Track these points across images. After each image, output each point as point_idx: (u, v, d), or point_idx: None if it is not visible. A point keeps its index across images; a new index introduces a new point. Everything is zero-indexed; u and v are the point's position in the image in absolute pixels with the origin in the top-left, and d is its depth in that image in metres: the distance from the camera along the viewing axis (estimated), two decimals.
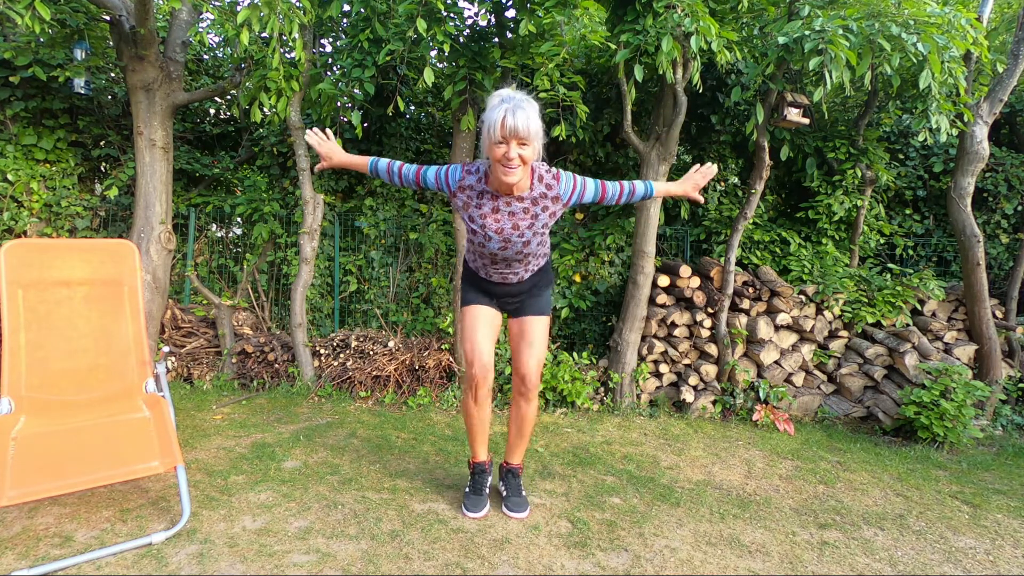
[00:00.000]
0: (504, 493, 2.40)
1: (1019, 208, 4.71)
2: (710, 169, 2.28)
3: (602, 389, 4.00)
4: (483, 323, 2.23)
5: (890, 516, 2.50)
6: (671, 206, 4.86)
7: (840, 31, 3.06)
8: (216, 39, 5.13)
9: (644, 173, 3.91)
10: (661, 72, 3.23)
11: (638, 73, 3.27)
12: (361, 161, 2.23)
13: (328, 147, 2.25)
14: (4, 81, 4.18)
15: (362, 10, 3.57)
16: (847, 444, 3.47)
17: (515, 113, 1.82)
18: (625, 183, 2.17)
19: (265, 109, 3.96)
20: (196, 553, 1.98)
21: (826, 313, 4.11)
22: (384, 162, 2.19)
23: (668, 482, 2.76)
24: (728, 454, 3.20)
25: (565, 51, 3.43)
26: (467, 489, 2.42)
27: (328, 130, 2.24)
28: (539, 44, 3.58)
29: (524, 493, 2.40)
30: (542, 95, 3.42)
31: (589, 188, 2.10)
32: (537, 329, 2.25)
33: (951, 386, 3.42)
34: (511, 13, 3.74)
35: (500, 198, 2.02)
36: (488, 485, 2.43)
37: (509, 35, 3.79)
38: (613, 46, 3.44)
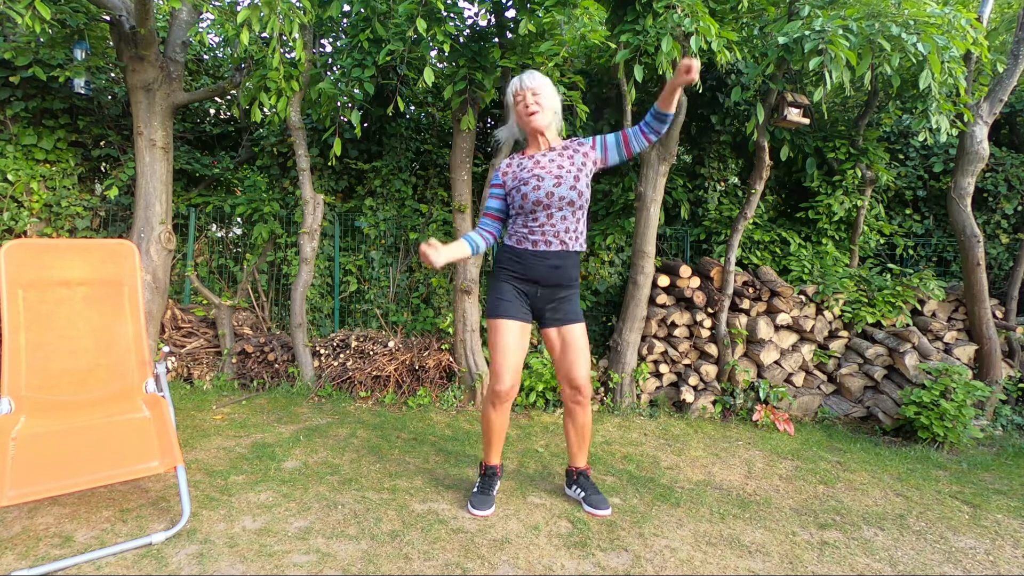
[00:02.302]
0: (583, 494, 2.44)
1: (1019, 208, 4.71)
2: (689, 61, 2.05)
3: (602, 389, 4.00)
4: (514, 337, 2.25)
5: (890, 516, 2.50)
6: (671, 206, 4.86)
7: (840, 31, 3.06)
8: (216, 39, 5.13)
9: (644, 173, 3.92)
10: (661, 72, 3.23)
11: (638, 73, 3.27)
12: (463, 250, 2.26)
13: (437, 254, 2.16)
14: (4, 81, 4.18)
15: (362, 10, 3.57)
16: (847, 444, 3.47)
17: (523, 75, 2.29)
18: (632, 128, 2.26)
19: (265, 109, 3.96)
20: (196, 553, 1.98)
21: (826, 313, 4.10)
22: (475, 236, 2.31)
23: (668, 482, 2.76)
24: (728, 454, 3.20)
25: (565, 51, 3.43)
26: (475, 489, 2.45)
27: (433, 239, 2.16)
28: (539, 44, 3.58)
29: (600, 491, 2.45)
30: None
31: (609, 137, 2.28)
32: (580, 336, 2.29)
33: (951, 386, 3.42)
34: (511, 13, 3.74)
35: (538, 155, 2.29)
36: (496, 488, 2.47)
37: (509, 35, 3.79)
38: (613, 46, 3.44)
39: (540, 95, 2.25)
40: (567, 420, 2.40)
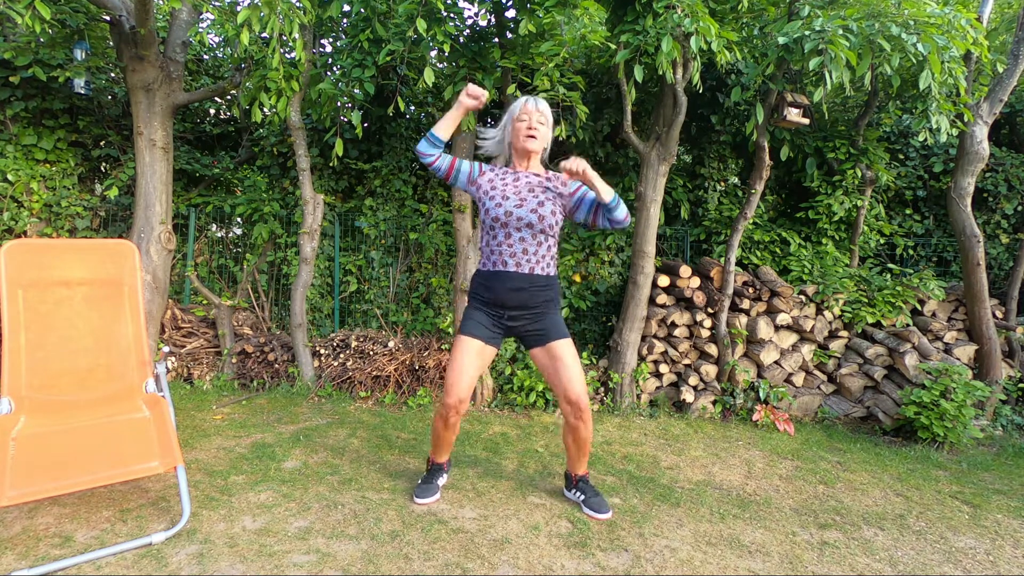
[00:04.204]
0: (582, 497, 2.45)
1: (1019, 208, 4.71)
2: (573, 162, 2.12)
3: (602, 389, 4.00)
4: (471, 355, 2.24)
5: (890, 516, 2.50)
6: (671, 206, 4.86)
7: (840, 31, 3.06)
8: (216, 39, 5.13)
9: (644, 173, 3.91)
10: (661, 72, 3.23)
11: (638, 73, 3.27)
12: (453, 123, 2.29)
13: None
14: (4, 81, 4.18)
15: (362, 10, 3.57)
16: (847, 444, 3.47)
17: (535, 99, 2.33)
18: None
19: (265, 109, 3.96)
20: (196, 553, 1.98)
21: (826, 313, 4.10)
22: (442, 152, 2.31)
23: (668, 482, 2.76)
24: (728, 454, 3.20)
25: (565, 51, 3.43)
26: (420, 481, 2.53)
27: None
28: (539, 44, 3.58)
29: (600, 494, 2.46)
30: (542, 95, 3.43)
31: (589, 195, 2.27)
32: (568, 351, 2.26)
33: (951, 386, 3.42)
34: (511, 13, 3.74)
35: (519, 172, 2.33)
36: (443, 480, 2.56)
37: (509, 35, 3.79)
38: (613, 46, 3.44)
39: (545, 124, 2.31)
40: (567, 433, 2.37)
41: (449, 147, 4.11)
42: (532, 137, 2.27)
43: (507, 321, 2.28)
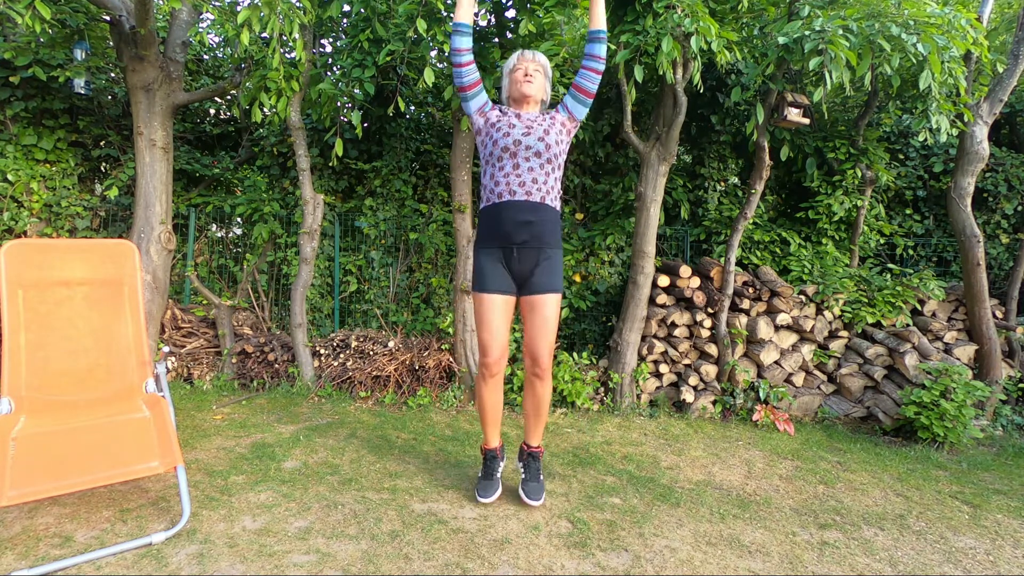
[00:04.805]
0: (523, 476, 2.44)
1: (1019, 208, 4.71)
2: None
3: (602, 389, 4.00)
4: (497, 310, 2.26)
5: (890, 516, 2.50)
6: (671, 206, 4.86)
7: (840, 31, 3.06)
8: (216, 39, 5.13)
9: (644, 173, 3.92)
10: (661, 72, 3.23)
11: (638, 73, 3.27)
12: (468, 4, 2.32)
13: None
14: (4, 81, 4.18)
15: (362, 10, 3.57)
16: (847, 444, 3.47)
17: (530, 50, 2.41)
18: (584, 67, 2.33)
19: (265, 109, 3.96)
20: (196, 553, 1.98)
21: (826, 313, 4.11)
22: (468, 40, 2.31)
23: (668, 482, 2.76)
24: (728, 454, 3.20)
25: (565, 51, 3.43)
26: (479, 475, 2.47)
27: None
28: (539, 44, 3.58)
29: (543, 478, 2.44)
30: None
31: (567, 96, 2.38)
32: (549, 307, 2.26)
33: (951, 386, 3.42)
34: (511, 13, 3.74)
35: (520, 112, 2.35)
36: (500, 471, 2.48)
37: (509, 35, 3.80)
38: (613, 47, 3.44)
39: (540, 71, 2.37)
40: (526, 392, 2.39)
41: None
42: (528, 81, 2.32)
43: (515, 263, 2.26)
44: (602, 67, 2.31)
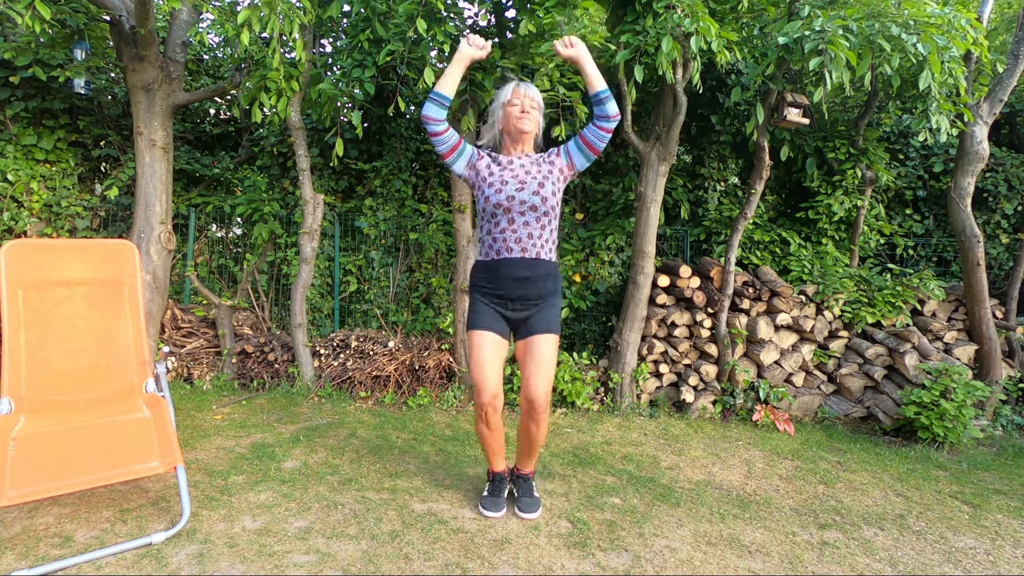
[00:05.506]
0: (516, 495, 2.42)
1: (1019, 208, 4.71)
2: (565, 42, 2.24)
3: (602, 389, 4.00)
4: (490, 348, 2.20)
5: (890, 516, 2.50)
6: (671, 206, 4.86)
7: (840, 31, 3.06)
8: (216, 39, 5.13)
9: (644, 173, 3.92)
10: (661, 72, 3.23)
11: (638, 73, 3.27)
12: (456, 77, 2.24)
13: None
14: (4, 81, 4.18)
15: (362, 10, 3.57)
16: (847, 444, 3.47)
17: (525, 83, 2.32)
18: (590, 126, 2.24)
19: (265, 109, 3.96)
20: (196, 553, 1.98)
21: (826, 313, 4.10)
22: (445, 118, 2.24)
23: (668, 482, 2.76)
24: (728, 454, 3.20)
25: None
26: (485, 492, 2.44)
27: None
28: (539, 44, 3.58)
29: (536, 495, 2.42)
30: (542, 95, 3.43)
31: (570, 143, 2.29)
32: (545, 348, 2.19)
33: (951, 386, 3.42)
34: (511, 13, 3.74)
35: (513, 157, 2.29)
36: (506, 491, 2.45)
37: (509, 35, 3.79)
38: (613, 47, 3.44)
39: (536, 108, 2.29)
40: (520, 429, 2.32)
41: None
42: (524, 117, 2.25)
43: (510, 312, 2.24)
44: (614, 125, 2.19)
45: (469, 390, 3.95)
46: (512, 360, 3.97)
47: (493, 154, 2.32)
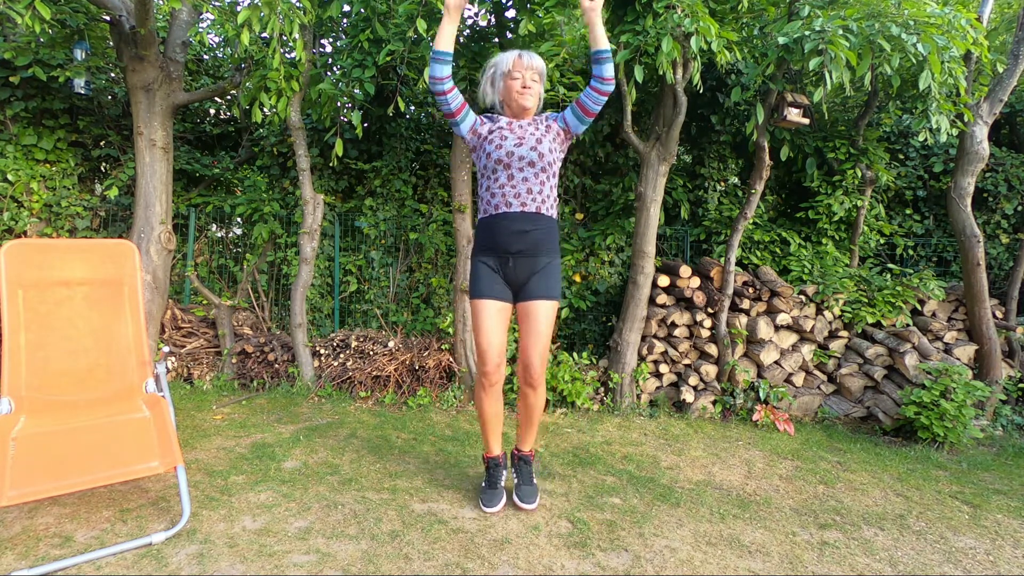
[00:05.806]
0: (515, 481, 2.42)
1: (1019, 208, 4.71)
2: None
3: (602, 389, 4.00)
4: (493, 316, 2.24)
5: (890, 516, 2.50)
6: (671, 206, 4.87)
7: (840, 31, 3.06)
8: (216, 39, 5.13)
9: (644, 173, 3.92)
10: (661, 72, 3.23)
11: (638, 73, 3.27)
12: (451, 30, 2.19)
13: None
14: (4, 81, 4.18)
15: (362, 10, 3.57)
16: (847, 444, 3.47)
17: (527, 53, 2.26)
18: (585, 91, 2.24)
19: (265, 109, 3.96)
20: (196, 553, 1.98)
21: (826, 313, 4.10)
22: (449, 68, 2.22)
23: (668, 482, 2.76)
24: (728, 454, 3.20)
25: (565, 51, 3.43)
26: (483, 484, 2.45)
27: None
28: (539, 44, 3.58)
29: (535, 482, 2.42)
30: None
31: (567, 109, 2.29)
32: (543, 314, 2.23)
33: (951, 386, 3.42)
34: (511, 13, 3.74)
35: (513, 122, 2.30)
36: (503, 480, 2.45)
37: (509, 35, 3.80)
38: (613, 46, 3.44)
39: (539, 81, 2.29)
40: (519, 399, 2.36)
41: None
42: (527, 92, 2.25)
43: (511, 272, 2.25)
44: (610, 88, 2.19)
45: (469, 390, 3.95)
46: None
47: (494, 116, 2.35)
